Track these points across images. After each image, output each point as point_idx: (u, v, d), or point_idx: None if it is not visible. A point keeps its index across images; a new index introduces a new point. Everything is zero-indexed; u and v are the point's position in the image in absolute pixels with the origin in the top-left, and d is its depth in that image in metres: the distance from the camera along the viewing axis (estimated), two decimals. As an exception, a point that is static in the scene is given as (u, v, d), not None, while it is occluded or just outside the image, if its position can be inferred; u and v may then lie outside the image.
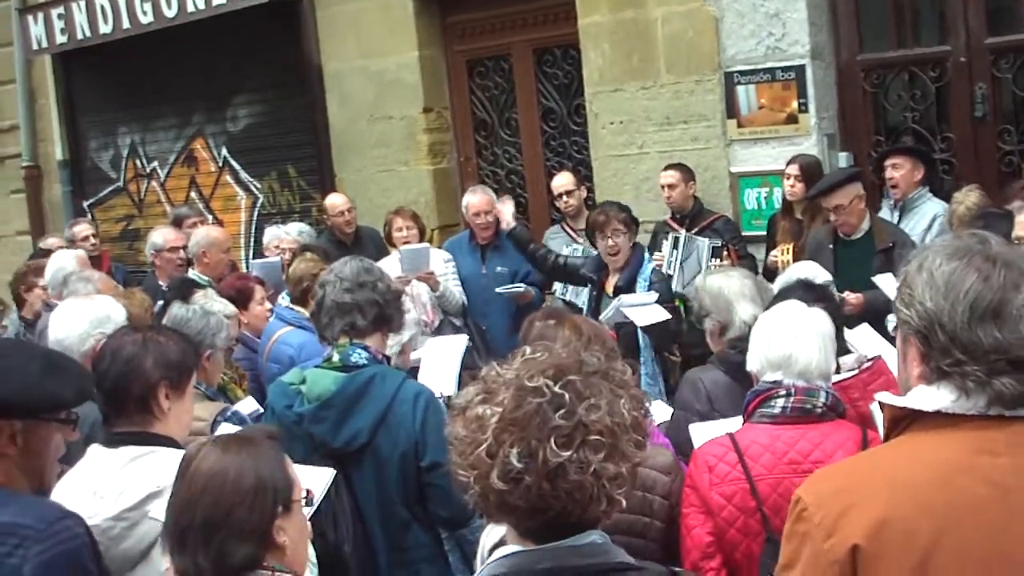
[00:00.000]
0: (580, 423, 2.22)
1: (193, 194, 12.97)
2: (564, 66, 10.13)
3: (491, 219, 8.69)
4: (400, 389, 4.46)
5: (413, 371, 5.57)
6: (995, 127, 8.13)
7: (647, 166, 9.10)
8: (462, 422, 2.32)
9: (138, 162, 13.52)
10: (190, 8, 11.48)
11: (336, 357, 4.51)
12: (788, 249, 7.72)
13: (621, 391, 2.31)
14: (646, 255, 7.86)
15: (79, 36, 12.62)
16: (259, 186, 12.36)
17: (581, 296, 8.03)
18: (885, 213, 7.84)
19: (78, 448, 3.60)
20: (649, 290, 7.43)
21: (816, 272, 5.50)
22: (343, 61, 11.05)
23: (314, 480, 3.93)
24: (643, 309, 7.26)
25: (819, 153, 8.33)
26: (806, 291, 4.63)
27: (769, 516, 3.69)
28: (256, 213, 12.39)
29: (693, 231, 8.32)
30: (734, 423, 4.11)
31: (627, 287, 7.45)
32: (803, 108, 8.43)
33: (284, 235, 9.48)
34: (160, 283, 8.64)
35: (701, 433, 4.27)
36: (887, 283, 6.23)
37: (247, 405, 5.43)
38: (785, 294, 4.65)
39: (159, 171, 13.30)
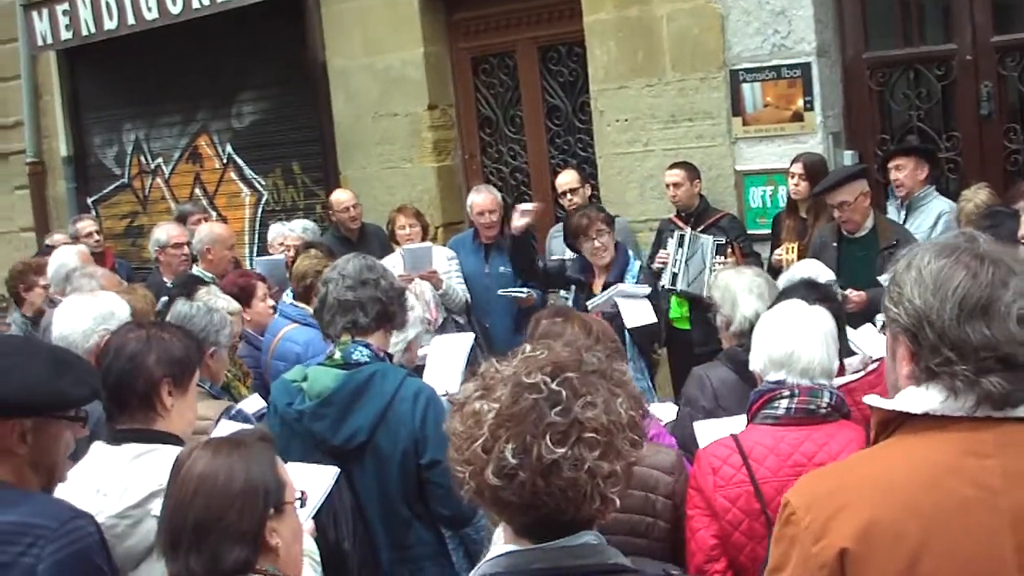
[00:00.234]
0: (576, 420, 2.22)
1: (197, 191, 12.97)
2: (569, 63, 10.11)
3: (495, 218, 8.68)
4: (401, 387, 4.44)
5: (419, 369, 5.55)
6: (1001, 125, 8.11)
7: (652, 164, 9.09)
8: (460, 418, 2.32)
9: (142, 158, 13.52)
10: (195, 4, 11.49)
11: (338, 354, 4.50)
12: (793, 247, 7.71)
13: (619, 390, 2.30)
14: (630, 253, 7.91)
15: (84, 32, 12.62)
16: (263, 183, 12.36)
17: (568, 299, 8.02)
18: (891, 212, 7.84)
19: (82, 445, 3.60)
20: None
21: (818, 270, 5.50)
22: (348, 58, 11.04)
23: (317, 479, 3.93)
24: (634, 306, 7.31)
25: (824, 151, 8.32)
26: (808, 290, 4.62)
27: (774, 519, 3.67)
28: (260, 210, 12.40)
29: (699, 229, 8.30)
30: (740, 422, 4.10)
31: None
32: (808, 106, 8.41)
33: (289, 232, 9.48)
34: (164, 279, 8.63)
35: (706, 431, 4.27)
36: (891, 281, 6.21)
37: (253, 403, 5.42)
38: (788, 293, 4.64)
39: (163, 168, 13.30)
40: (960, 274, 2.16)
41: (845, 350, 4.45)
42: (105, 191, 14.00)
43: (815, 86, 8.38)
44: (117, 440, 3.73)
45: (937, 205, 7.58)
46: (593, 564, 2.26)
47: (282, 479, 2.96)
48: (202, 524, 2.81)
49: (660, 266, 8.26)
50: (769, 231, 8.38)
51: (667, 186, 8.57)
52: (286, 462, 3.17)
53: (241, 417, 4.65)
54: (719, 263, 7.90)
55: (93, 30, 12.50)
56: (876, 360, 4.56)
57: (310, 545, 3.58)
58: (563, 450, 2.19)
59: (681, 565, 3.78)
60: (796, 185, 8.02)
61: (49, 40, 13.08)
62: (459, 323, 8.42)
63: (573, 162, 9.97)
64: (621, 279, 7.55)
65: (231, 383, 5.72)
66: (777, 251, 7.91)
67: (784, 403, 3.83)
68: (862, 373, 4.55)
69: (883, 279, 6.25)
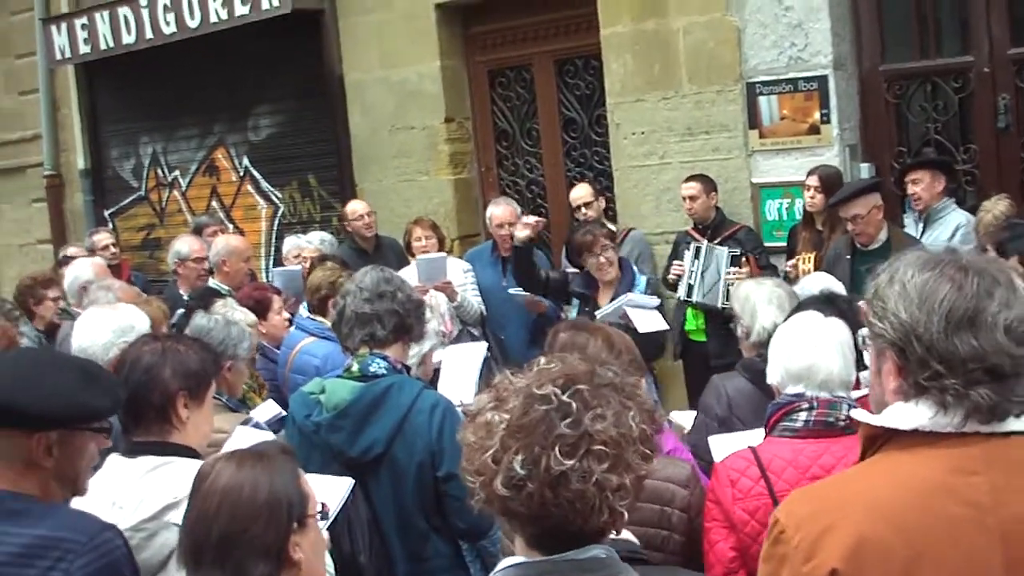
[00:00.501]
0: (585, 432, 2.22)
1: (214, 203, 13.01)
2: (586, 76, 10.12)
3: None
4: (417, 399, 4.44)
5: (433, 379, 5.55)
6: (1018, 138, 8.08)
7: (668, 176, 9.08)
8: (472, 428, 2.33)
9: (159, 171, 13.57)
10: (212, 18, 11.53)
11: (355, 367, 4.50)
12: (810, 258, 7.71)
13: (631, 403, 2.31)
14: (635, 269, 7.92)
15: (102, 46, 12.68)
16: (280, 196, 12.39)
17: (571, 313, 8.01)
18: (909, 224, 7.82)
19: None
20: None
21: (829, 283, 5.50)
22: (365, 71, 11.07)
23: (332, 490, 3.92)
24: (645, 313, 7.33)
25: (841, 164, 8.30)
26: (824, 303, 4.62)
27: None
28: (277, 223, 12.42)
29: (715, 241, 8.29)
30: (753, 435, 4.09)
31: None
32: (825, 119, 8.40)
33: (306, 244, 9.49)
34: (181, 292, 8.64)
35: (720, 446, 4.26)
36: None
37: (267, 410, 5.43)
38: (803, 306, 4.64)
39: (180, 180, 13.34)
40: (945, 286, 2.15)
41: (861, 363, 4.44)
42: (122, 204, 14.05)
43: (832, 99, 8.36)
44: (133, 453, 3.73)
45: (955, 217, 7.56)
46: None
47: (305, 492, 2.94)
48: (226, 538, 2.79)
49: (675, 278, 8.27)
50: (785, 244, 8.37)
51: (683, 199, 8.57)
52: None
53: (258, 428, 4.64)
54: (733, 274, 7.90)
55: (111, 44, 12.55)
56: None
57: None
58: (572, 462, 2.20)
59: (695, 578, 3.77)
60: (812, 197, 8.01)
61: (68, 54, 13.14)
62: (474, 335, 8.41)
63: (589, 175, 9.98)
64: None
65: (246, 394, 5.73)
66: (791, 261, 7.90)
67: (803, 416, 3.81)
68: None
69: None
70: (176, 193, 13.44)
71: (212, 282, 8.41)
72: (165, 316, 6.70)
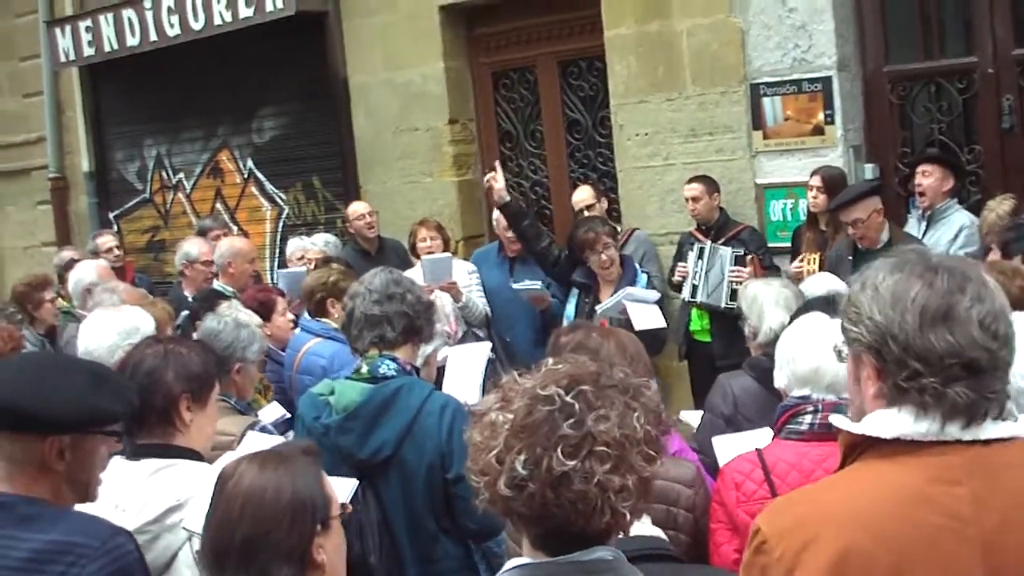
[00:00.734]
0: (588, 433, 2.22)
1: (219, 206, 13.01)
2: (589, 78, 10.12)
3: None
4: (427, 401, 4.44)
5: (437, 379, 5.55)
6: (1023, 139, 8.07)
7: (672, 178, 9.08)
8: (478, 428, 2.34)
9: (164, 174, 13.57)
10: (217, 21, 11.54)
11: (365, 368, 4.50)
12: (814, 259, 7.71)
13: (635, 403, 2.30)
14: (637, 266, 7.94)
15: (106, 49, 12.68)
16: (284, 198, 12.39)
17: (569, 303, 8.03)
18: (912, 223, 7.82)
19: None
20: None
21: (835, 284, 5.50)
22: (369, 73, 11.07)
23: (336, 491, 3.92)
24: (643, 309, 7.35)
25: (845, 165, 8.30)
26: (829, 305, 4.62)
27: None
28: (281, 225, 12.42)
29: (719, 242, 8.29)
30: (758, 436, 4.09)
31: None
32: (829, 120, 8.40)
33: (310, 245, 9.51)
34: (186, 294, 8.65)
35: (725, 447, 4.26)
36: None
37: (271, 412, 5.43)
38: (808, 307, 4.64)
39: (185, 183, 13.35)
40: (917, 285, 2.17)
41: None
42: (127, 206, 14.05)
43: (836, 100, 8.36)
44: (136, 455, 3.72)
45: (959, 218, 7.55)
46: None
47: (328, 493, 2.91)
48: (250, 541, 2.76)
49: (680, 279, 8.28)
50: (789, 244, 8.37)
51: (686, 200, 8.57)
52: None
53: (265, 432, 4.63)
54: (737, 274, 7.92)
55: (115, 46, 12.56)
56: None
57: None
58: (573, 463, 2.20)
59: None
60: (815, 198, 8.02)
61: (72, 56, 13.15)
62: (479, 336, 8.41)
63: (593, 176, 9.98)
64: (631, 290, 7.61)
65: (252, 396, 5.73)
66: (796, 262, 7.90)
67: (808, 419, 3.81)
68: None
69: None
70: (180, 195, 13.45)
71: (217, 284, 8.42)
72: (170, 318, 6.71)
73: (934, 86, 8.43)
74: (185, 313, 7.46)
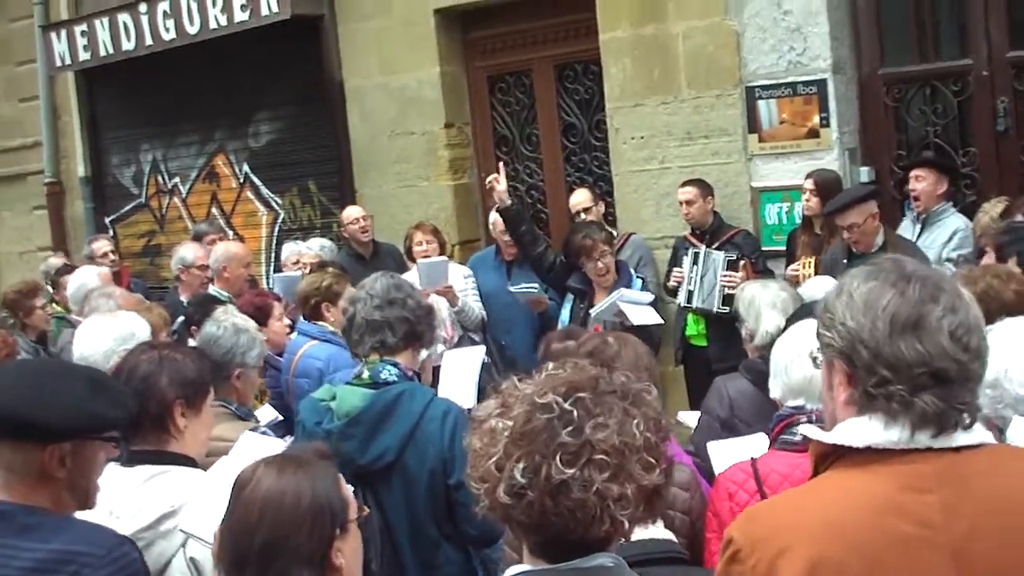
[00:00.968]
0: (587, 441, 2.21)
1: (214, 210, 13.00)
2: (585, 81, 10.13)
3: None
4: (429, 406, 4.44)
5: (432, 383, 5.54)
6: (1018, 141, 8.08)
7: (668, 181, 9.08)
8: (478, 434, 2.34)
9: (160, 178, 13.56)
10: (212, 25, 11.53)
11: (366, 374, 4.49)
12: (810, 262, 7.70)
13: (635, 410, 2.29)
14: (632, 272, 7.95)
15: (102, 53, 12.67)
16: (280, 202, 12.38)
17: (564, 308, 8.04)
18: (907, 225, 7.82)
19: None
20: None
21: (830, 287, 5.49)
22: (364, 77, 11.08)
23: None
24: (639, 308, 7.35)
25: (840, 168, 8.30)
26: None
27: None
28: (277, 229, 12.41)
29: (713, 246, 8.30)
30: (753, 442, 4.09)
31: None
32: (824, 123, 8.40)
33: (305, 250, 9.50)
34: (182, 299, 8.65)
35: (719, 453, 4.25)
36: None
37: (265, 414, 5.43)
38: (802, 313, 4.64)
39: (181, 187, 13.33)
40: (889, 293, 2.18)
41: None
42: (123, 211, 14.03)
43: (831, 103, 8.37)
44: (130, 462, 3.72)
45: (954, 222, 7.56)
46: None
47: (346, 497, 2.90)
48: (269, 546, 2.75)
49: (676, 284, 8.29)
50: (784, 248, 8.37)
51: (680, 203, 8.57)
52: None
53: (265, 435, 4.61)
54: (729, 278, 7.92)
55: (111, 51, 12.55)
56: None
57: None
58: (572, 471, 2.19)
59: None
60: (808, 201, 8.02)
61: (67, 61, 13.13)
62: (475, 340, 8.40)
63: (589, 180, 9.98)
64: (623, 296, 7.63)
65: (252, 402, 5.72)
66: (792, 266, 7.90)
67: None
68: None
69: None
70: (176, 200, 13.43)
71: (212, 289, 8.43)
72: (166, 323, 6.71)
73: (929, 89, 8.44)
74: (181, 318, 7.46)
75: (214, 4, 11.48)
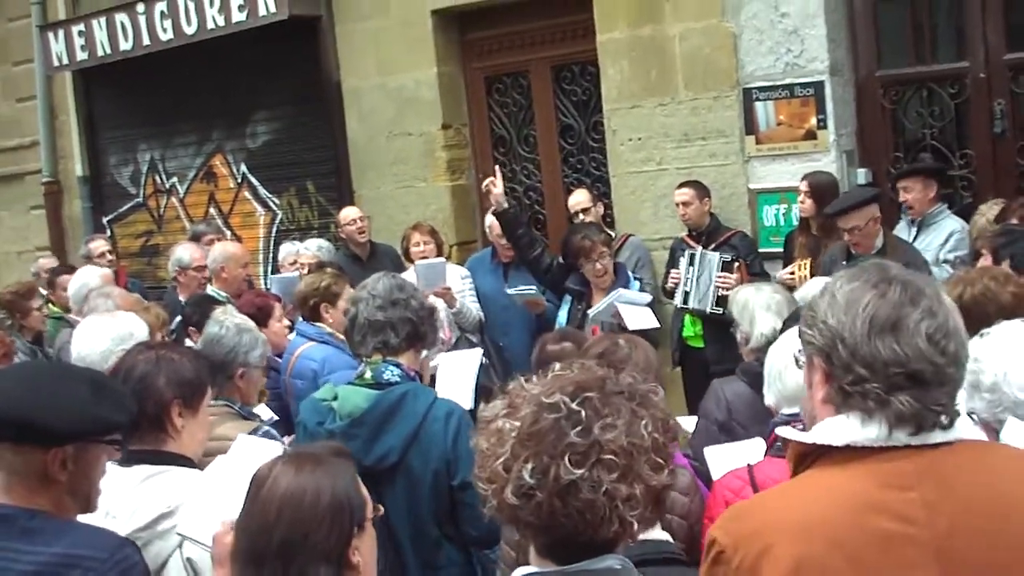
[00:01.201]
0: (595, 442, 2.21)
1: (212, 210, 13.00)
2: (582, 83, 10.13)
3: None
4: (432, 407, 4.44)
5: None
6: (1014, 143, 8.10)
7: (665, 182, 9.09)
8: (485, 435, 2.33)
9: (157, 178, 13.55)
10: (210, 25, 11.54)
11: (368, 374, 4.50)
12: (806, 264, 7.71)
13: (643, 411, 2.30)
14: (630, 273, 7.97)
15: (99, 53, 12.67)
16: (278, 202, 12.38)
17: (562, 309, 8.04)
18: (903, 228, 7.82)
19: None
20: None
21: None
22: (362, 78, 11.08)
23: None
24: (636, 310, 7.37)
25: (838, 170, 8.31)
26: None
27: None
28: (275, 229, 12.41)
29: (710, 247, 8.31)
30: (750, 447, 4.09)
31: None
32: (822, 124, 8.41)
33: (303, 250, 9.49)
34: (180, 299, 8.64)
35: (716, 458, 4.26)
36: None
37: (261, 414, 5.42)
38: (795, 319, 4.64)
39: (178, 187, 13.33)
40: (870, 293, 2.22)
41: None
42: (120, 210, 14.03)
43: (828, 104, 8.38)
44: (127, 462, 3.71)
45: (949, 224, 7.57)
46: None
47: (364, 495, 2.90)
48: (288, 544, 2.74)
49: (673, 285, 8.30)
50: (782, 249, 8.38)
51: (677, 205, 8.59)
52: None
53: (269, 436, 4.60)
54: (723, 280, 7.93)
55: (109, 51, 12.54)
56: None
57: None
58: (581, 471, 2.20)
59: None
60: (802, 203, 8.02)
61: (65, 61, 13.13)
62: (472, 342, 8.41)
63: (587, 181, 9.99)
64: (624, 297, 7.63)
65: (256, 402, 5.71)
66: (787, 269, 7.91)
67: (796, 436, 3.81)
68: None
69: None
70: (174, 200, 13.43)
71: (210, 289, 8.42)
72: (163, 323, 6.71)
73: (926, 91, 8.45)
74: (179, 318, 7.47)
75: (211, 4, 11.48)
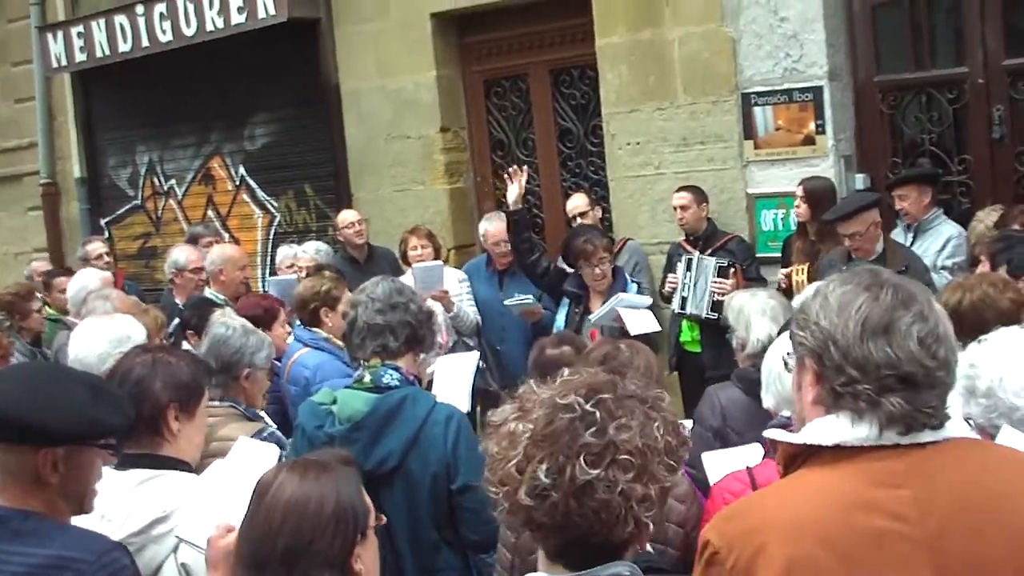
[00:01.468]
0: (610, 442, 2.23)
1: (210, 212, 13.00)
2: (581, 86, 10.13)
3: (510, 247, 8.63)
4: (432, 411, 4.44)
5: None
6: (1013, 149, 8.09)
7: (664, 187, 9.09)
8: (496, 438, 2.34)
9: (155, 180, 13.55)
10: (209, 27, 11.54)
11: (368, 378, 4.49)
12: (803, 269, 7.71)
13: (655, 414, 2.32)
14: (628, 277, 7.96)
15: (98, 54, 12.67)
16: (276, 205, 12.38)
17: (560, 312, 8.03)
18: (899, 234, 7.81)
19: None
20: None
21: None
22: (361, 80, 11.08)
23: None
24: (637, 314, 7.37)
25: (836, 175, 8.31)
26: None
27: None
28: (273, 232, 12.41)
29: (707, 252, 8.30)
30: (747, 453, 4.09)
31: None
32: (820, 129, 8.41)
33: (300, 253, 9.49)
34: (177, 302, 8.63)
35: (713, 463, 4.25)
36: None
37: None
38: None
39: (176, 189, 13.33)
40: (862, 296, 2.25)
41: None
42: (118, 212, 14.03)
43: (827, 110, 8.38)
44: (123, 465, 3.70)
45: (946, 229, 7.55)
46: None
47: (367, 503, 2.89)
48: (291, 551, 2.74)
49: (670, 290, 8.30)
50: (780, 254, 8.37)
51: (674, 209, 8.58)
52: None
53: (274, 439, 4.56)
54: (719, 285, 7.93)
55: (107, 52, 12.55)
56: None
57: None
58: (597, 471, 2.21)
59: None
60: (798, 208, 8.01)
61: (64, 62, 13.14)
62: (469, 346, 8.41)
63: (585, 185, 9.98)
64: (620, 303, 7.62)
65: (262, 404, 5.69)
66: (783, 271, 7.90)
67: (797, 439, 3.81)
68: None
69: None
70: (172, 202, 13.43)
71: (208, 291, 8.41)
72: (161, 326, 6.70)
73: (925, 96, 8.45)
74: (176, 321, 7.46)
75: (211, 6, 11.48)
